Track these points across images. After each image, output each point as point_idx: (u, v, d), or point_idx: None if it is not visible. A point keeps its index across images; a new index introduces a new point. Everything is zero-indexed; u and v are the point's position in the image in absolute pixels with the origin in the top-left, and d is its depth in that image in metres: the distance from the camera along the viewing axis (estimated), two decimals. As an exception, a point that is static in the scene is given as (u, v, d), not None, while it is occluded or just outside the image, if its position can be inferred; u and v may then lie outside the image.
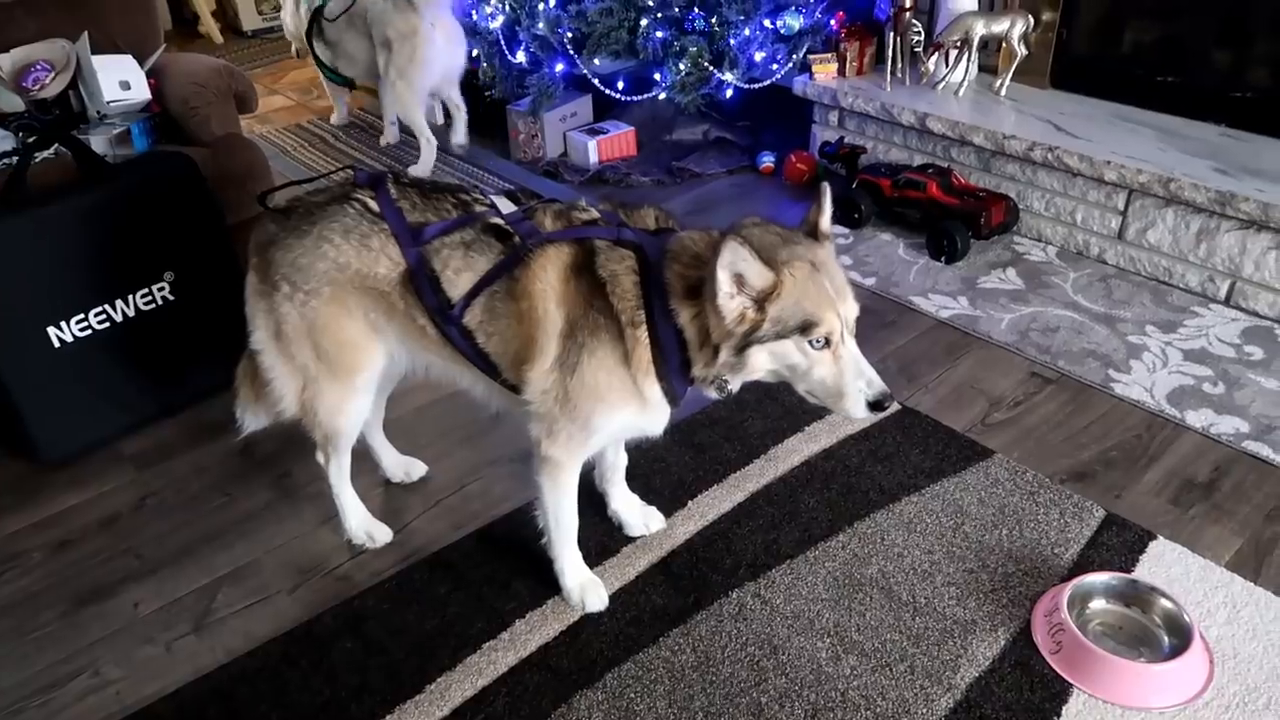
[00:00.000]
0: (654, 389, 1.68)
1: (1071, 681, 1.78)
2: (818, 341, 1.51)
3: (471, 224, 1.74)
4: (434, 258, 1.74)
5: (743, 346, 1.52)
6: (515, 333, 1.72)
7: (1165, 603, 1.87)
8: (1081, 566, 2.03)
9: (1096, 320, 2.89)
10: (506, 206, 1.77)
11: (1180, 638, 1.81)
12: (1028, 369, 2.70)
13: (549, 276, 1.66)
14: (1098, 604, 1.92)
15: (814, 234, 1.59)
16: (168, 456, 2.52)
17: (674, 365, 1.63)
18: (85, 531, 2.28)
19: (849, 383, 1.53)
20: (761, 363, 1.55)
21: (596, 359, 1.65)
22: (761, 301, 1.49)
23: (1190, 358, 2.69)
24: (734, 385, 1.64)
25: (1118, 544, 2.08)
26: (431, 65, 3.94)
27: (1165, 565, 2.02)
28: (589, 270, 1.64)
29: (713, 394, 1.68)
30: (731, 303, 1.49)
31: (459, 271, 1.73)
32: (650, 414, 1.74)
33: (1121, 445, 2.39)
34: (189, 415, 2.64)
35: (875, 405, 1.54)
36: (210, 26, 6.56)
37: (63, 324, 2.40)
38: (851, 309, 1.54)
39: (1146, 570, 2.01)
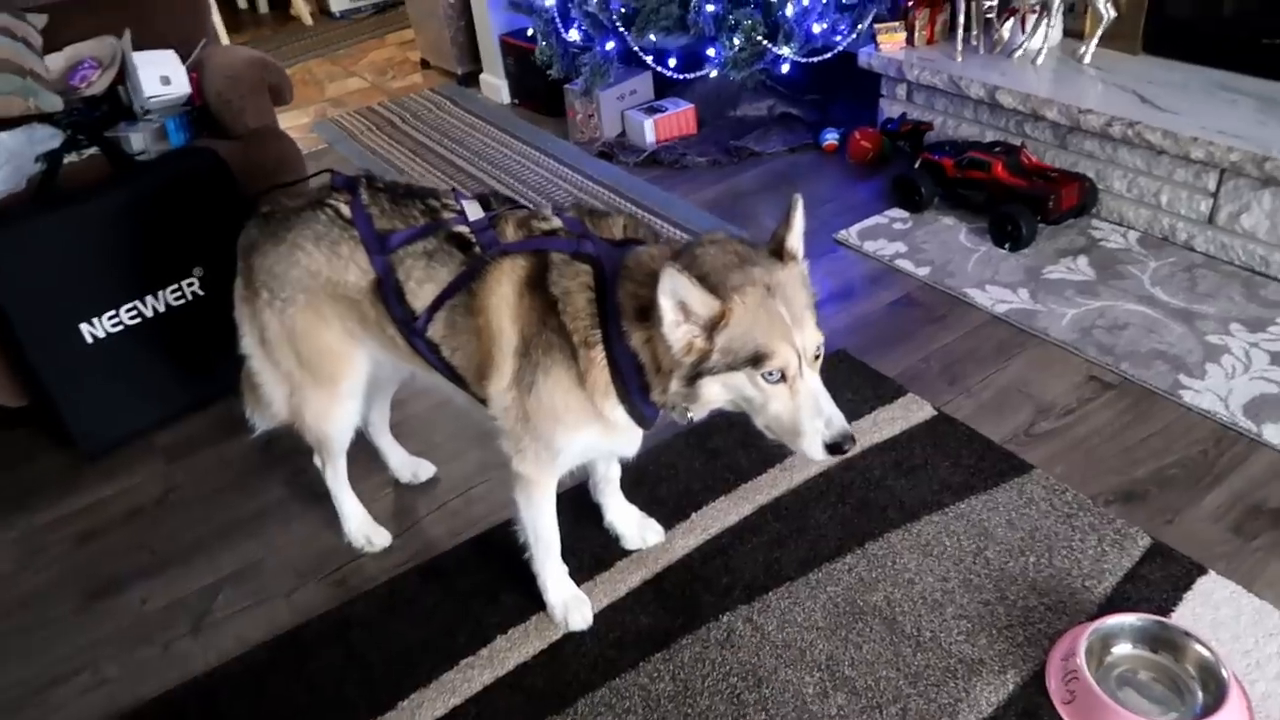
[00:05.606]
0: (616, 411, 1.57)
1: (1082, 737, 1.61)
2: (771, 374, 1.38)
3: (435, 232, 1.67)
4: (399, 267, 1.68)
5: (693, 377, 1.40)
6: (475, 348, 1.64)
7: (1200, 650, 1.66)
8: (1114, 603, 1.83)
9: (1173, 317, 2.60)
10: (476, 212, 1.69)
11: (1215, 692, 1.61)
12: (1086, 372, 2.46)
13: (503, 291, 1.57)
14: (1122, 649, 1.72)
15: (779, 253, 1.45)
16: (195, 450, 2.57)
17: (634, 388, 1.52)
18: (109, 524, 2.35)
19: (805, 421, 1.40)
20: (715, 394, 1.43)
21: (552, 379, 1.56)
22: (710, 330, 1.37)
23: (1277, 361, 2.39)
24: (695, 414, 1.52)
25: (1160, 578, 1.87)
26: None
27: (1213, 605, 1.80)
28: (544, 285, 1.55)
29: (676, 419, 1.57)
30: (678, 331, 1.37)
31: (421, 283, 1.66)
32: (616, 436, 1.64)
33: (1183, 462, 2.15)
34: (220, 407, 2.67)
35: (834, 448, 1.40)
36: (300, 9, 6.69)
37: (95, 320, 2.46)
38: (811, 338, 1.40)
39: (1191, 610, 1.80)
